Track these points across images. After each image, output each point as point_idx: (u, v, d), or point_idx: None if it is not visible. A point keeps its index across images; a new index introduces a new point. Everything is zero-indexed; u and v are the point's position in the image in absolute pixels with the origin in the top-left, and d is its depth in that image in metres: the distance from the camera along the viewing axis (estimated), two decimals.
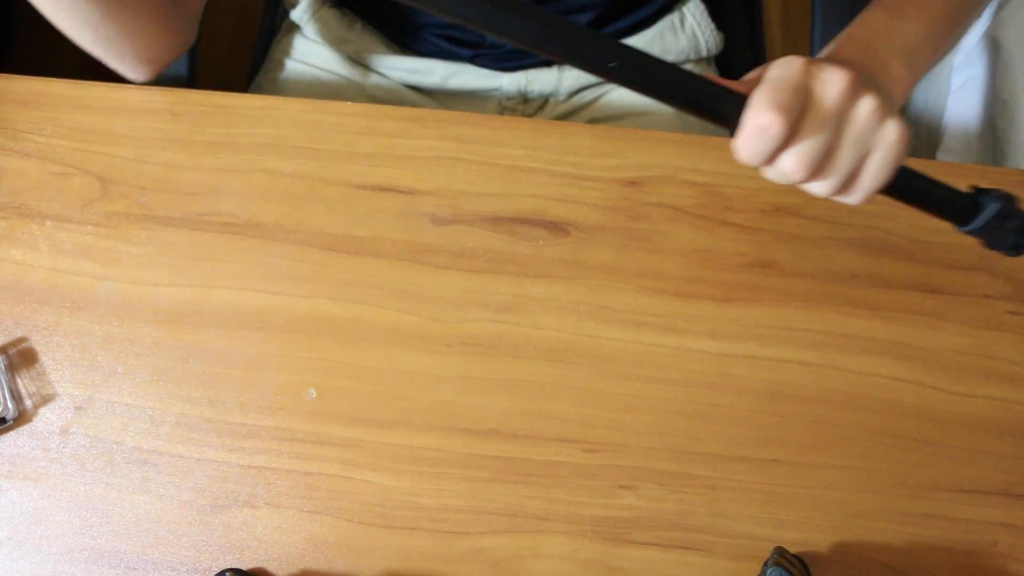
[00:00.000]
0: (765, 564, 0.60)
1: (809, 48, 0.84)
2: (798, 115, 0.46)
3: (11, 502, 0.63)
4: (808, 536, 0.63)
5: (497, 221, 0.68)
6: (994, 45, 0.91)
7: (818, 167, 0.47)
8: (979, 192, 0.53)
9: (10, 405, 0.64)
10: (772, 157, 0.47)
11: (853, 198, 0.49)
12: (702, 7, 0.90)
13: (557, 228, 0.68)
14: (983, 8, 0.65)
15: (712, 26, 0.90)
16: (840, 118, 0.46)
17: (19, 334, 0.66)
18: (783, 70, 0.47)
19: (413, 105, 0.84)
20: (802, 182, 0.48)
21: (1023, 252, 0.55)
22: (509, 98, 0.85)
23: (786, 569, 0.58)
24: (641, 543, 0.63)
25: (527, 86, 0.84)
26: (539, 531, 0.63)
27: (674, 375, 0.65)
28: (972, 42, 0.95)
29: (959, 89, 0.96)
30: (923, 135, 1.03)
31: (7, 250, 0.67)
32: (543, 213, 0.68)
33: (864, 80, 0.47)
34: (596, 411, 0.65)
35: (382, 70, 0.85)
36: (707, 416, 0.65)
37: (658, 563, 0.62)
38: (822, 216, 0.68)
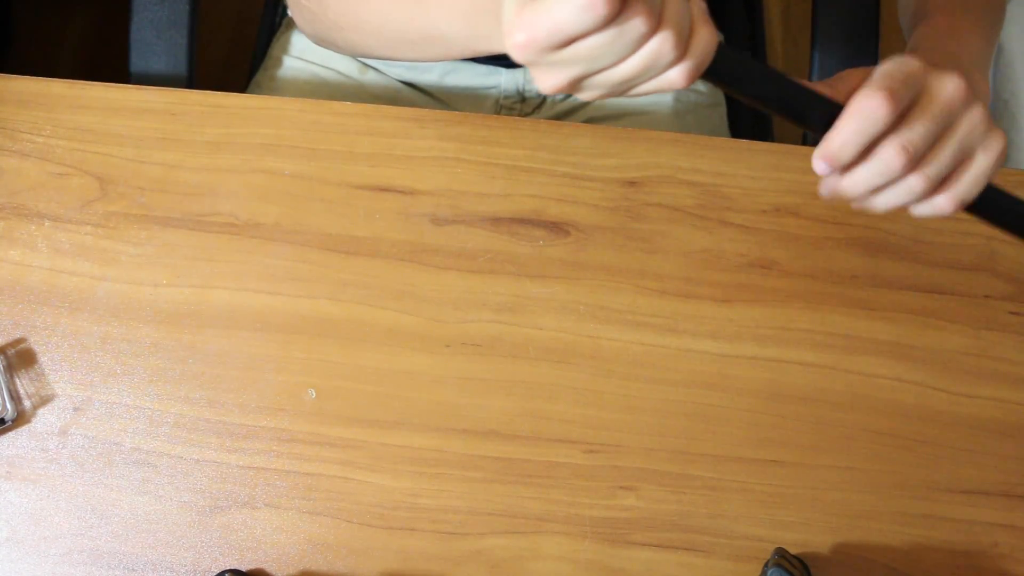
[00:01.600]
0: (765, 565, 0.60)
1: (809, 48, 0.83)
2: (908, 105, 0.44)
3: (10, 503, 0.63)
4: (809, 537, 0.63)
5: (497, 221, 0.68)
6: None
7: (920, 157, 0.45)
8: None
9: (9, 406, 0.64)
10: (870, 146, 0.45)
11: (946, 202, 0.47)
12: (702, 6, 0.90)
13: (557, 228, 0.68)
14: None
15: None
16: (952, 115, 0.45)
17: (18, 335, 0.66)
18: (898, 64, 0.46)
19: (410, 102, 0.84)
20: (897, 174, 0.45)
21: None
22: (507, 96, 0.85)
23: (786, 570, 0.58)
24: (641, 544, 0.63)
25: (525, 84, 0.84)
26: (539, 532, 0.63)
27: (674, 376, 0.65)
28: None
29: None
30: None
31: (6, 250, 0.67)
32: (543, 213, 0.68)
33: (973, 93, 0.47)
34: (596, 412, 0.65)
35: (380, 67, 0.85)
36: (707, 417, 0.65)
37: (658, 564, 0.62)
38: (822, 216, 0.68)
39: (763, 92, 0.44)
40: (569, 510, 0.63)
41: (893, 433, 0.65)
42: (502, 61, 0.83)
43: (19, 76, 0.71)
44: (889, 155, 0.44)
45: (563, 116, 0.87)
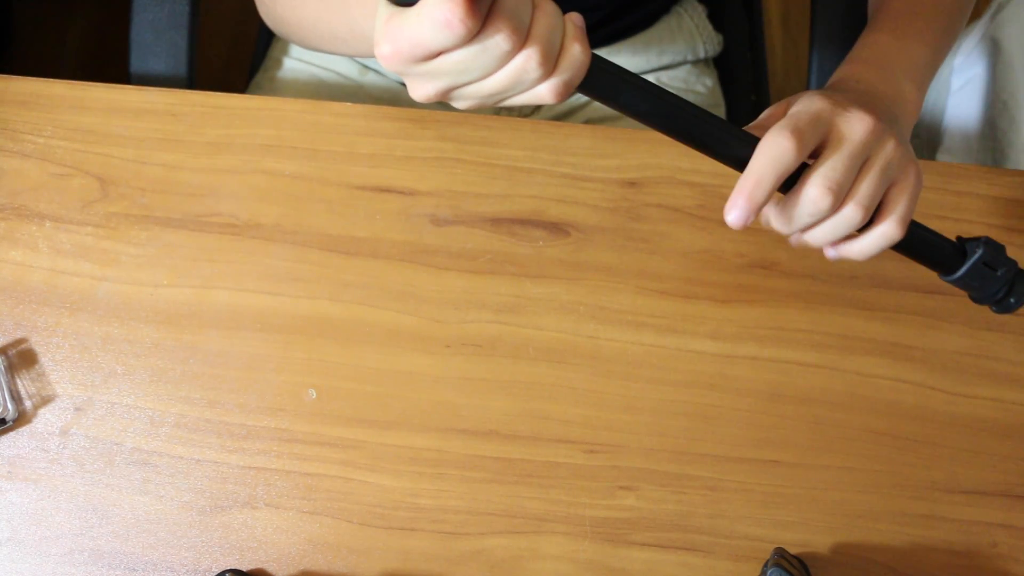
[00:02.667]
0: (765, 565, 0.60)
1: (808, 48, 0.83)
2: (818, 142, 0.45)
3: (11, 503, 0.63)
4: (808, 537, 0.63)
5: (497, 222, 0.68)
6: (994, 46, 0.91)
7: (845, 191, 0.46)
8: (964, 240, 0.52)
9: (10, 406, 0.64)
10: (788, 185, 0.46)
11: (891, 227, 0.47)
12: (700, 8, 0.90)
13: (557, 229, 0.68)
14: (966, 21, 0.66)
15: (710, 27, 0.90)
16: (866, 149, 0.46)
17: (19, 335, 0.66)
18: (806, 104, 0.47)
19: (410, 103, 0.84)
20: (828, 208, 0.45)
21: (1013, 309, 0.54)
22: None
23: (786, 570, 0.58)
24: (641, 544, 0.63)
25: None
26: (539, 532, 0.63)
27: (674, 376, 0.65)
28: (972, 43, 0.95)
29: (959, 90, 0.96)
30: (923, 136, 1.03)
31: (7, 251, 0.67)
32: (543, 214, 0.68)
33: (886, 124, 0.47)
34: (596, 412, 0.65)
35: (380, 68, 0.85)
36: (707, 417, 0.65)
37: (658, 564, 0.62)
38: None
39: (642, 108, 0.44)
40: (569, 510, 0.63)
41: (892, 433, 0.65)
42: None
43: (20, 77, 0.71)
44: (814, 193, 0.45)
45: (563, 117, 0.87)
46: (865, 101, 0.49)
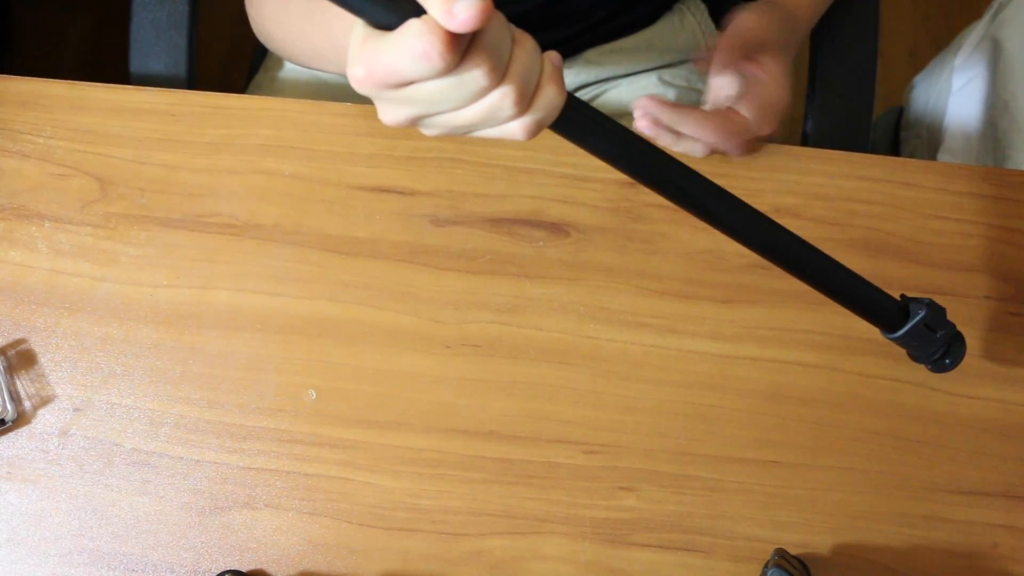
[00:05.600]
0: (766, 566, 0.60)
1: (809, 51, 0.83)
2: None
3: (10, 504, 0.63)
4: (809, 538, 0.63)
5: (497, 222, 0.68)
6: (995, 46, 0.91)
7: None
8: (908, 300, 0.54)
9: (9, 407, 0.64)
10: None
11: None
12: (702, 7, 0.90)
13: (557, 229, 0.68)
14: None
15: (712, 26, 0.90)
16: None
17: (18, 335, 0.66)
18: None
19: None
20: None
21: (948, 370, 0.56)
22: None
23: (786, 571, 0.58)
24: (641, 545, 0.63)
25: None
26: (539, 532, 0.63)
27: (674, 376, 0.65)
28: (973, 43, 0.95)
29: (960, 90, 0.96)
30: (924, 136, 1.03)
31: (6, 251, 0.67)
32: (543, 214, 0.68)
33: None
34: (596, 412, 0.65)
35: None
36: (707, 417, 0.65)
37: (658, 565, 0.62)
38: (822, 217, 0.68)
39: (613, 153, 0.44)
40: (569, 511, 0.63)
41: (893, 434, 0.65)
42: None
43: (19, 77, 0.71)
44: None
45: None
46: None
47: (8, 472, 0.63)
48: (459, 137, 0.69)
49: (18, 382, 0.65)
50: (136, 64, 0.80)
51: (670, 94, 0.86)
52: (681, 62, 0.88)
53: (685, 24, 0.88)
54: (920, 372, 0.66)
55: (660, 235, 0.68)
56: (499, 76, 0.37)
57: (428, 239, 0.67)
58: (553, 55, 0.39)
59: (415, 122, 0.39)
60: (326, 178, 0.69)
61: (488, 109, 0.37)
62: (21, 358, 0.65)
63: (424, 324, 0.66)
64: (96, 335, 0.66)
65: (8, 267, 0.67)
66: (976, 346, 0.66)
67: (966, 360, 0.66)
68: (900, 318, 0.54)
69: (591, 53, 0.85)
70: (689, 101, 0.87)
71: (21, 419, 0.64)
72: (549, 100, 0.39)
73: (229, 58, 1.57)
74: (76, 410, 0.64)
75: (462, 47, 0.35)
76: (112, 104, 0.70)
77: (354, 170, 0.69)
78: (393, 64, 0.35)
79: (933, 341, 0.54)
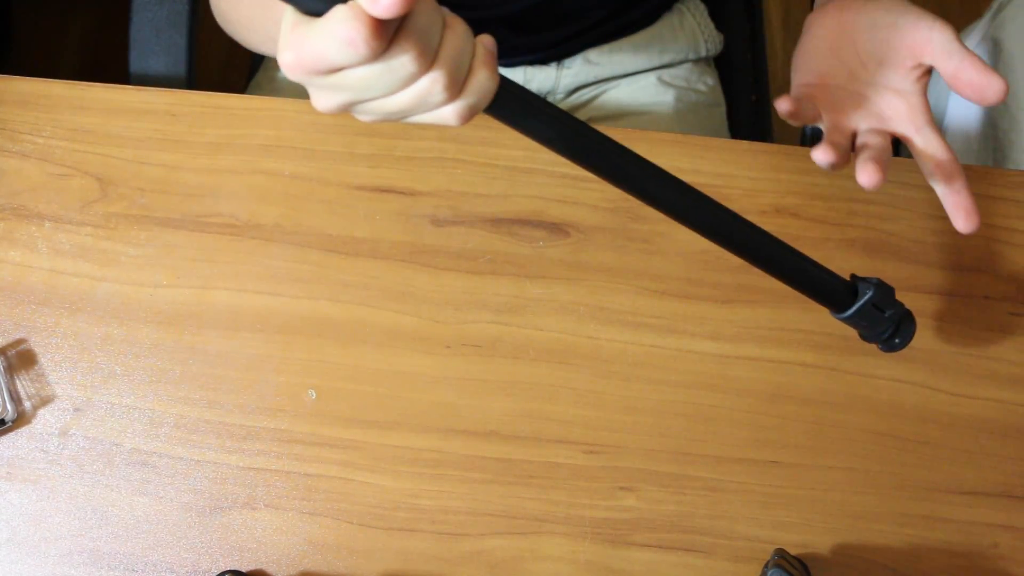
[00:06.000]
0: (766, 566, 0.60)
1: None
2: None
3: (10, 504, 0.63)
4: (809, 538, 0.63)
5: (497, 222, 0.68)
6: (995, 46, 0.91)
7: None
8: (856, 279, 0.54)
9: (9, 407, 0.64)
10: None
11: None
12: (702, 7, 0.90)
13: (557, 229, 0.68)
14: None
15: (712, 26, 0.90)
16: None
17: (18, 335, 0.66)
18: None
19: None
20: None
21: (898, 349, 0.56)
22: None
23: (787, 571, 0.58)
24: (641, 545, 0.63)
25: (525, 83, 0.84)
26: (539, 532, 0.63)
27: (674, 376, 0.65)
28: (973, 43, 0.95)
29: None
30: None
31: (6, 251, 0.67)
32: (543, 214, 0.68)
33: None
34: (596, 412, 0.65)
35: None
36: (707, 417, 0.65)
37: (658, 565, 0.62)
38: (822, 217, 0.68)
39: (550, 135, 0.44)
40: (569, 511, 0.63)
41: (893, 434, 0.65)
42: (501, 60, 0.83)
43: (19, 77, 0.71)
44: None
45: None
46: None
47: (8, 472, 0.63)
48: (459, 137, 0.69)
49: (18, 382, 0.65)
50: (136, 64, 0.80)
51: (669, 94, 0.86)
52: (681, 62, 0.88)
53: (685, 24, 0.88)
54: (920, 372, 0.66)
55: (660, 235, 0.68)
56: (428, 61, 0.36)
57: (428, 239, 0.67)
58: (486, 39, 0.39)
59: (348, 108, 0.39)
60: (326, 178, 0.69)
61: (418, 95, 0.37)
62: (21, 358, 0.65)
63: (424, 324, 0.66)
64: (96, 335, 0.66)
65: (8, 267, 0.67)
66: (976, 346, 0.66)
67: (966, 360, 0.66)
68: (849, 298, 0.53)
69: (591, 53, 0.85)
70: (689, 101, 0.87)
71: (21, 419, 0.64)
72: (481, 85, 0.38)
73: (229, 58, 1.56)
74: (76, 410, 0.64)
75: (389, 33, 0.35)
76: (112, 104, 0.70)
77: (354, 170, 0.69)
78: (320, 50, 0.35)
79: (882, 321, 0.54)
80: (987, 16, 0.95)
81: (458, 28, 0.37)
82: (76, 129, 0.69)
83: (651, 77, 0.87)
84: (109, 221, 0.68)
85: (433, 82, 0.37)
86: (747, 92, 0.98)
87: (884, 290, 0.54)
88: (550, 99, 0.87)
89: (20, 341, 0.66)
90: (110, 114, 0.70)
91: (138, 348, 0.65)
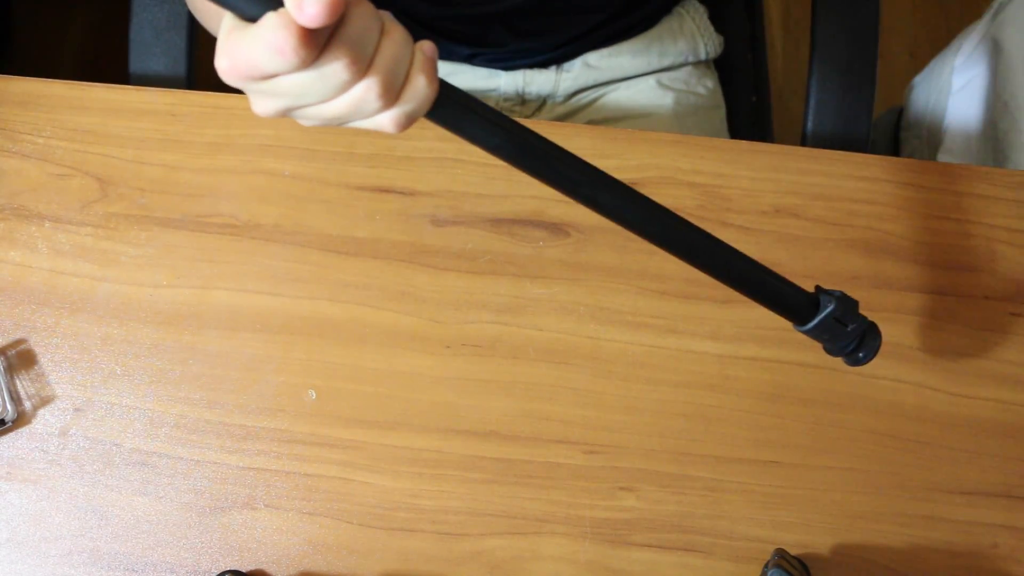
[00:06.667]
0: (765, 566, 0.60)
1: (809, 51, 0.83)
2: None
3: (10, 504, 0.63)
4: (809, 538, 0.63)
5: (497, 222, 0.68)
6: (995, 46, 0.91)
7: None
8: (820, 291, 0.53)
9: (9, 407, 0.64)
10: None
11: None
12: (702, 9, 0.90)
13: (557, 229, 0.68)
14: None
15: (711, 29, 0.90)
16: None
17: (18, 336, 0.66)
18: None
19: None
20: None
21: (862, 363, 0.55)
22: (506, 99, 0.85)
23: (786, 571, 0.58)
24: (641, 545, 0.63)
25: (525, 87, 0.84)
26: (539, 533, 0.63)
27: (674, 377, 0.65)
28: (973, 43, 0.95)
29: (960, 90, 0.96)
30: (924, 136, 1.03)
31: (6, 251, 0.67)
32: (543, 214, 0.68)
33: None
34: (596, 413, 0.65)
35: None
36: (707, 418, 0.65)
37: (658, 565, 0.62)
38: (822, 217, 0.68)
39: (492, 142, 0.44)
40: (569, 511, 0.63)
41: (893, 434, 0.65)
42: (500, 64, 0.83)
43: (19, 77, 0.71)
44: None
45: (563, 118, 0.87)
46: None
47: (8, 472, 0.63)
48: (459, 137, 0.69)
49: (18, 382, 0.65)
50: (136, 64, 0.80)
51: (669, 97, 0.86)
52: (680, 65, 0.88)
53: (684, 27, 0.88)
54: (920, 372, 0.66)
55: None
56: (362, 69, 0.36)
57: (428, 239, 0.67)
58: (426, 45, 0.39)
59: (286, 113, 0.39)
60: (326, 178, 0.69)
61: (353, 102, 0.37)
62: (21, 358, 0.65)
63: (424, 324, 0.66)
64: (96, 335, 0.66)
65: (8, 267, 0.67)
66: (976, 346, 0.66)
67: (966, 360, 0.66)
68: (810, 311, 0.52)
69: (590, 57, 0.85)
70: (688, 104, 0.87)
71: (21, 419, 0.64)
72: (418, 92, 0.38)
73: None
74: (76, 410, 0.64)
75: (320, 41, 0.34)
76: (112, 104, 0.70)
77: (354, 170, 0.69)
78: (252, 57, 0.35)
79: (844, 334, 0.53)
80: (987, 16, 0.95)
81: (396, 35, 0.37)
82: (76, 129, 0.69)
83: (650, 80, 0.87)
84: (109, 221, 0.68)
85: (367, 90, 0.37)
86: (747, 93, 0.98)
87: (847, 303, 0.52)
88: (549, 103, 0.87)
89: (20, 341, 0.66)
90: (110, 114, 0.70)
91: (138, 348, 0.65)
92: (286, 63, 0.34)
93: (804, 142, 0.82)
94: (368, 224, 0.68)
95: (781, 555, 0.60)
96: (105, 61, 1.60)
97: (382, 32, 0.37)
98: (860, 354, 0.54)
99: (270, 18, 0.33)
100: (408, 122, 0.39)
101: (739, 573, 0.62)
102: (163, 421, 0.64)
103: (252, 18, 0.35)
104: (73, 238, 0.67)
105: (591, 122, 0.85)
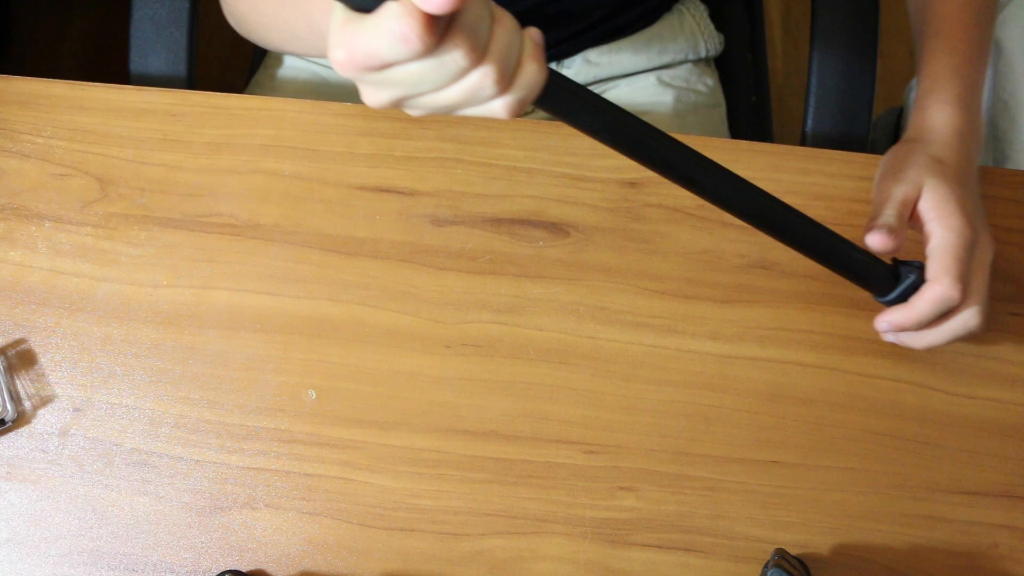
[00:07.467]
0: (765, 566, 0.60)
1: (809, 48, 0.83)
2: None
3: (10, 504, 0.63)
4: (808, 538, 0.63)
5: (497, 222, 0.68)
6: (995, 46, 0.91)
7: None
8: (898, 263, 0.54)
9: (9, 407, 0.64)
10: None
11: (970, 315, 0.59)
12: (702, 7, 0.90)
13: (557, 229, 0.68)
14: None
15: (711, 27, 0.90)
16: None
17: (18, 335, 0.66)
18: (959, 240, 0.55)
19: None
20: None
21: None
22: None
23: (786, 571, 0.58)
24: (641, 545, 0.63)
25: None
26: (539, 533, 0.63)
27: (674, 376, 0.65)
28: None
29: None
30: None
31: (6, 251, 0.67)
32: (543, 214, 0.68)
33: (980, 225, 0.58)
34: (596, 412, 0.65)
35: None
36: (707, 417, 0.65)
37: (658, 565, 0.62)
38: (822, 217, 0.68)
39: (597, 126, 0.44)
40: (569, 511, 0.63)
41: (893, 434, 0.65)
42: None
43: (19, 77, 0.71)
44: (964, 318, 0.56)
45: None
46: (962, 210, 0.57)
47: (8, 472, 0.63)
48: (459, 137, 0.69)
49: (18, 382, 0.65)
50: (136, 61, 0.80)
51: (669, 95, 0.86)
52: (680, 63, 0.88)
53: (684, 25, 0.88)
54: (920, 372, 0.66)
55: (660, 235, 0.68)
56: (479, 56, 0.36)
57: (428, 239, 0.67)
58: (533, 31, 0.39)
59: (398, 103, 0.39)
60: (326, 178, 0.69)
61: (469, 89, 0.37)
62: (21, 358, 0.65)
63: (424, 324, 0.66)
64: (96, 335, 0.66)
65: (8, 267, 0.67)
66: (976, 346, 0.66)
67: (966, 360, 0.66)
68: (891, 281, 0.54)
69: (590, 53, 0.85)
70: (688, 102, 0.87)
71: (21, 419, 0.64)
72: (530, 78, 0.39)
73: (229, 58, 1.56)
74: (76, 410, 0.64)
75: (440, 28, 0.35)
76: (112, 104, 0.70)
77: (354, 170, 0.69)
78: (372, 47, 0.35)
79: None
80: None
81: (506, 22, 0.38)
82: (76, 129, 0.69)
83: (650, 78, 0.87)
84: (109, 221, 0.68)
85: (484, 76, 0.37)
86: (747, 92, 0.98)
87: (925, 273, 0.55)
88: None
89: (20, 341, 0.66)
90: (110, 114, 0.70)
91: (138, 348, 0.65)
92: (409, 51, 0.34)
93: (804, 142, 0.82)
94: (368, 224, 0.68)
95: (781, 555, 0.60)
96: (105, 61, 1.60)
97: (493, 19, 0.37)
98: None
99: (392, 6, 0.34)
100: (520, 108, 0.39)
101: (739, 573, 0.62)
102: (163, 421, 0.64)
103: (368, 8, 0.35)
104: (73, 238, 0.67)
105: None
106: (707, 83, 0.89)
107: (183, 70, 0.80)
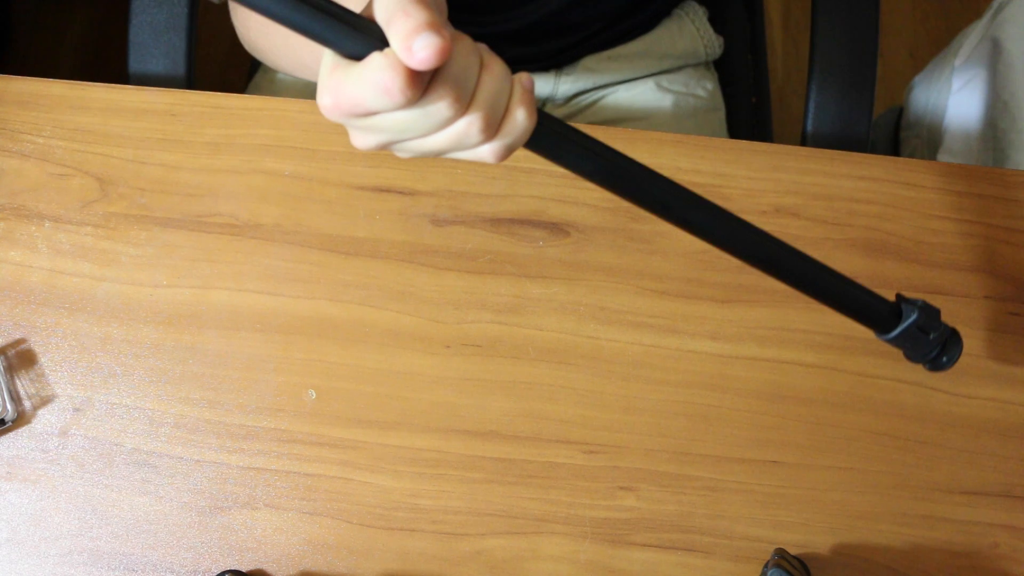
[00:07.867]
0: (765, 566, 0.60)
1: (809, 51, 0.83)
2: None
3: (10, 504, 0.63)
4: (809, 538, 0.63)
5: (497, 222, 0.68)
6: (995, 46, 0.91)
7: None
8: (901, 300, 0.54)
9: (9, 407, 0.64)
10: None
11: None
12: (701, 12, 0.90)
13: (557, 229, 0.68)
14: None
15: (711, 31, 0.90)
16: None
17: (18, 335, 0.66)
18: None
19: None
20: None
21: (944, 368, 0.56)
22: None
23: (786, 571, 0.58)
24: (641, 545, 0.63)
25: None
26: (539, 532, 0.63)
27: (674, 376, 0.65)
28: (973, 43, 0.95)
29: (960, 90, 0.96)
30: (924, 136, 1.03)
31: (6, 251, 0.67)
32: (543, 214, 0.68)
33: None
34: (596, 412, 0.65)
35: None
36: (707, 417, 0.65)
37: (658, 565, 0.62)
38: (822, 217, 0.68)
39: (588, 169, 0.44)
40: (569, 511, 0.63)
41: (893, 434, 0.65)
42: None
43: (19, 76, 0.71)
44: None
45: (565, 118, 0.87)
46: None
47: (8, 472, 0.63)
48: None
49: (18, 382, 0.65)
50: (135, 66, 0.80)
51: (668, 99, 0.86)
52: (679, 68, 0.88)
53: (684, 30, 0.88)
54: (920, 372, 0.66)
55: (660, 235, 0.68)
56: (464, 105, 0.37)
57: (428, 239, 0.68)
58: (524, 77, 0.39)
59: (385, 147, 0.40)
60: (326, 178, 0.69)
61: (455, 136, 0.38)
62: (21, 358, 0.65)
63: (424, 324, 0.66)
64: (96, 335, 0.66)
65: (8, 267, 0.67)
66: (976, 346, 0.66)
67: (966, 360, 0.66)
68: (893, 320, 0.54)
69: (589, 60, 0.85)
70: (687, 106, 0.87)
71: (21, 419, 0.64)
72: (518, 125, 0.39)
73: (229, 58, 1.56)
74: (76, 410, 0.64)
75: (425, 80, 0.35)
76: (112, 104, 0.70)
77: (354, 170, 0.69)
78: (357, 96, 0.35)
79: (927, 343, 0.54)
80: (987, 16, 0.95)
81: (495, 69, 0.38)
82: (76, 129, 0.69)
83: (650, 83, 0.87)
84: (109, 221, 0.68)
85: (469, 124, 0.37)
86: (747, 94, 0.98)
87: (929, 312, 0.54)
88: (549, 105, 0.86)
89: (20, 341, 0.66)
90: (110, 114, 0.70)
91: (138, 348, 0.65)
92: (392, 102, 0.34)
93: (804, 142, 0.82)
94: (368, 224, 0.68)
95: (781, 555, 0.60)
96: (105, 61, 1.60)
97: (482, 67, 0.37)
98: (944, 359, 0.55)
99: (376, 58, 0.34)
100: (508, 153, 0.40)
101: (739, 573, 0.62)
102: (163, 421, 0.64)
103: (356, 56, 0.35)
104: (73, 238, 0.67)
105: (591, 123, 0.85)
106: (706, 87, 0.89)
107: (182, 71, 0.80)
